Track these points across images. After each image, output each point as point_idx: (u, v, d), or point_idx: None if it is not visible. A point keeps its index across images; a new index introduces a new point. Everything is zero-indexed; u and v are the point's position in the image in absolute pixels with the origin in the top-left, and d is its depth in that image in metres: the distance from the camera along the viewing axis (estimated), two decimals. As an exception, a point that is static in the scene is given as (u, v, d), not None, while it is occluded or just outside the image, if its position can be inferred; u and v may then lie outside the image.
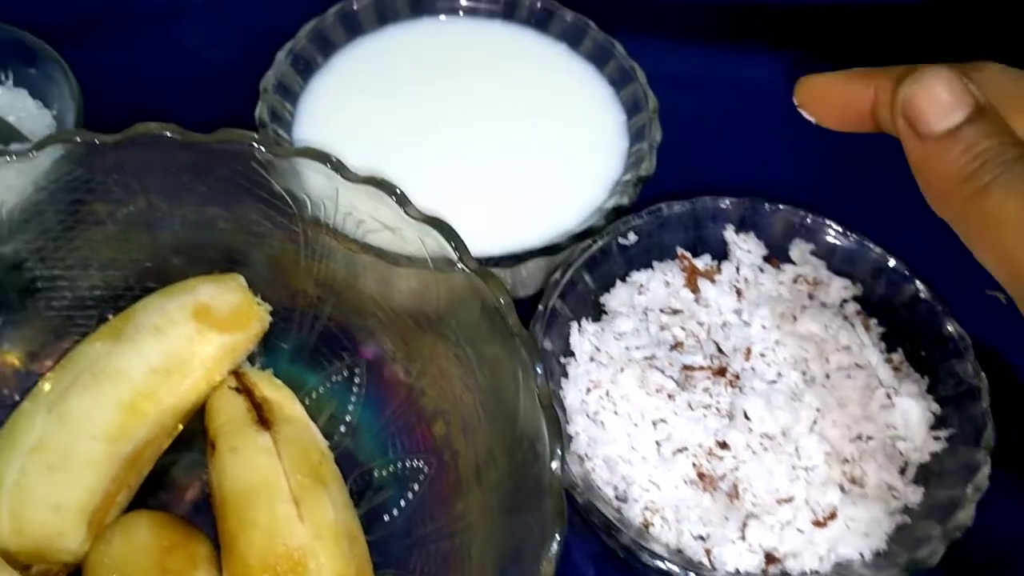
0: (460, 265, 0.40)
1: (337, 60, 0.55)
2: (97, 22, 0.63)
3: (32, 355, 0.45)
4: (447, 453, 0.44)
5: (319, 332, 0.47)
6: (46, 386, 0.42)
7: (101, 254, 0.46)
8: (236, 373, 0.45)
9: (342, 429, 0.46)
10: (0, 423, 0.44)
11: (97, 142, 0.41)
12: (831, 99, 0.36)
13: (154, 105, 0.58)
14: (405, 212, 0.41)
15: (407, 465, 0.45)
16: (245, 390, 0.44)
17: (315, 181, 0.43)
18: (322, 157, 0.42)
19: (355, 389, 0.47)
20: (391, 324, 0.45)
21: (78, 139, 0.41)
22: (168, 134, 0.42)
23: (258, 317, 0.45)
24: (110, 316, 0.46)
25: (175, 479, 0.45)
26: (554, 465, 0.36)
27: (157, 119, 0.55)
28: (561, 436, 0.36)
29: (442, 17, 0.57)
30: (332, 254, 0.45)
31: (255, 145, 0.42)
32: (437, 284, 0.43)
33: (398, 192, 0.41)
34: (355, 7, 0.55)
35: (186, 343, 0.43)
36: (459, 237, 0.41)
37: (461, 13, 0.57)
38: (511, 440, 0.40)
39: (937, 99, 0.30)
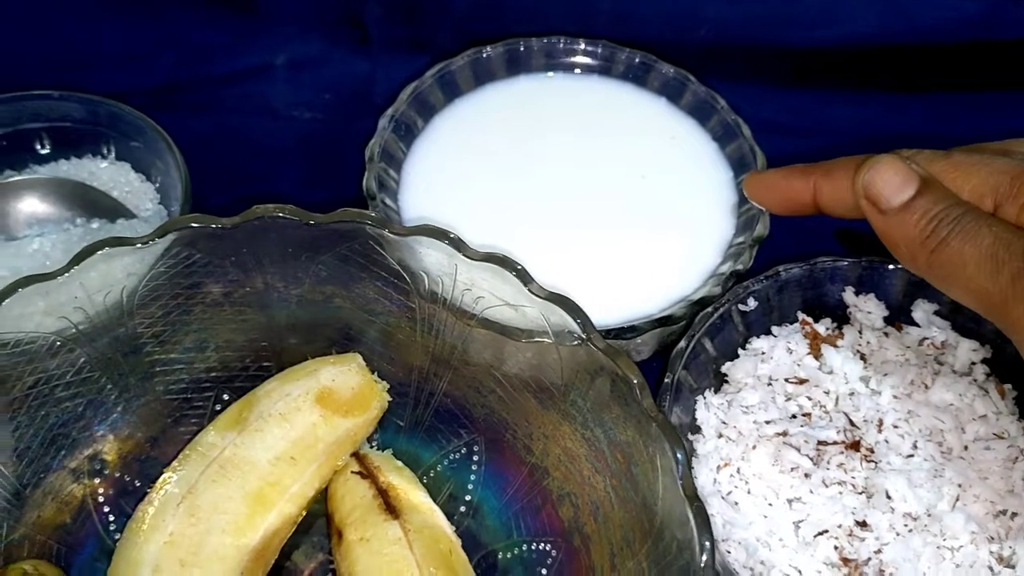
0: (588, 344, 0.39)
1: (437, 123, 0.54)
2: (181, 87, 0.63)
3: (152, 440, 0.45)
4: (577, 537, 0.42)
5: (435, 408, 0.46)
6: (173, 477, 0.41)
7: (217, 335, 0.45)
8: (357, 455, 0.44)
9: (462, 509, 0.45)
10: (123, 510, 0.44)
11: (216, 227, 0.41)
12: (776, 193, 0.43)
13: (250, 173, 0.59)
14: (528, 289, 0.40)
15: (534, 548, 0.44)
16: (368, 474, 0.43)
17: (433, 257, 0.42)
18: (441, 235, 0.41)
19: (474, 467, 0.46)
20: (510, 401, 0.44)
21: (196, 224, 0.41)
22: (286, 215, 0.41)
23: (378, 398, 0.44)
24: (226, 397, 0.46)
25: (295, 564, 0.44)
26: (703, 559, 0.35)
27: (256, 188, 0.56)
28: (710, 530, 0.35)
29: (538, 75, 0.56)
30: (448, 329, 0.44)
31: (373, 224, 0.41)
32: (560, 360, 0.42)
33: (519, 269, 0.40)
34: (453, 68, 0.54)
35: (311, 429, 0.42)
36: (585, 314, 0.40)
37: (558, 70, 0.56)
38: (650, 528, 0.38)
39: (890, 181, 0.37)
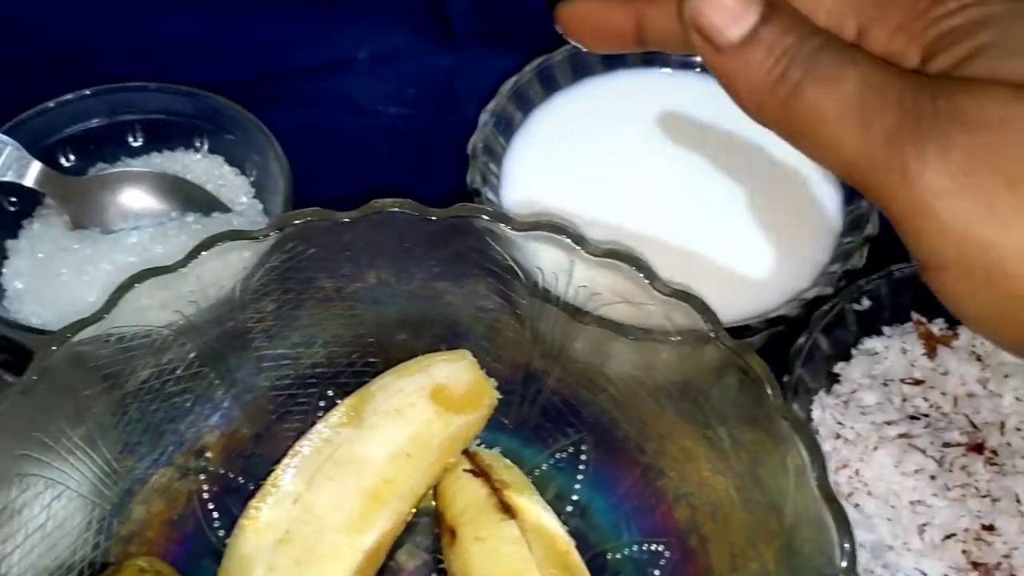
0: (717, 342, 0.38)
1: (536, 117, 0.53)
2: (264, 81, 0.62)
3: (258, 437, 0.44)
4: (694, 538, 0.42)
5: (541, 407, 0.46)
6: (287, 473, 0.40)
7: (326, 331, 0.44)
8: (467, 453, 0.43)
9: (569, 508, 0.44)
10: (226, 507, 0.43)
11: (334, 221, 0.40)
12: (592, 24, 0.34)
13: (338, 167, 0.58)
14: (653, 287, 0.39)
15: (646, 549, 0.43)
16: (481, 473, 0.42)
17: (550, 253, 0.41)
18: (560, 230, 0.40)
19: (581, 466, 0.45)
20: (622, 400, 0.43)
21: (315, 218, 0.40)
22: (404, 210, 0.40)
23: (489, 395, 0.43)
24: (331, 393, 0.45)
25: (399, 564, 0.44)
26: (844, 564, 0.34)
27: (347, 183, 0.55)
28: (851, 532, 0.34)
29: (637, 69, 0.55)
30: (560, 327, 0.43)
31: (492, 219, 0.41)
32: (680, 360, 0.41)
33: (644, 266, 0.39)
34: (552, 62, 0.53)
35: (426, 426, 0.41)
36: (712, 312, 0.39)
37: (656, 64, 0.55)
38: (778, 530, 0.37)
39: (724, 6, 0.28)
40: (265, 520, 0.39)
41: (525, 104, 0.53)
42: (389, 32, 0.64)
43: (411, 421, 0.41)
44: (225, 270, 0.40)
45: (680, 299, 0.39)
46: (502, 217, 0.41)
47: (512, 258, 0.42)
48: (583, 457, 0.45)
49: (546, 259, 0.41)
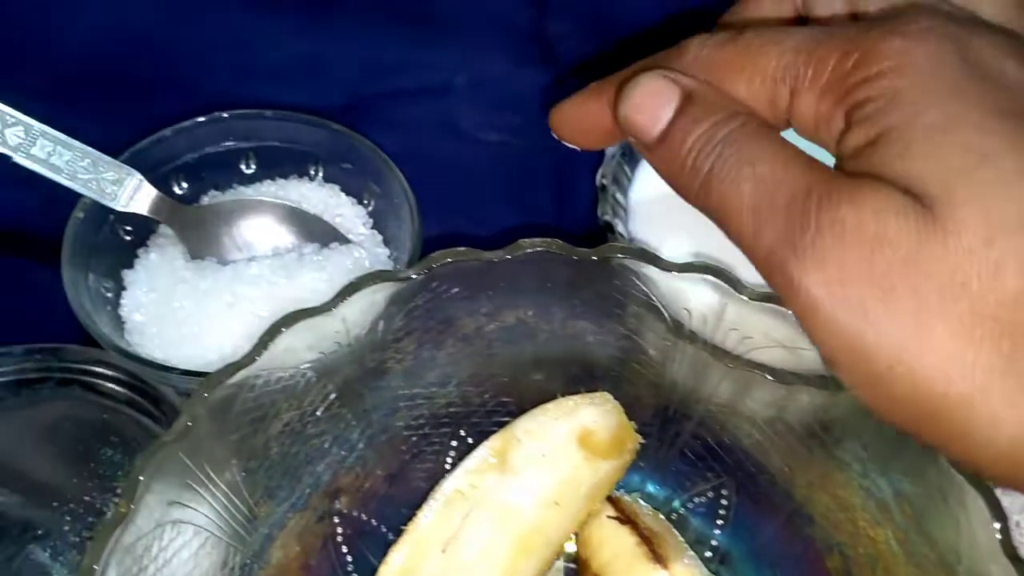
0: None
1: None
2: (360, 105, 0.61)
3: (391, 478, 0.43)
4: (850, 588, 0.40)
5: (679, 449, 0.44)
6: (429, 519, 0.39)
7: (462, 371, 0.43)
8: (611, 499, 0.42)
9: (708, 554, 0.43)
10: (360, 551, 0.42)
11: (483, 261, 0.39)
12: (577, 123, 0.34)
13: (444, 196, 0.57)
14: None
15: (794, 599, 0.42)
16: (628, 520, 0.41)
17: (700, 294, 0.40)
18: (716, 272, 0.39)
19: (722, 511, 0.44)
20: (769, 445, 0.42)
21: (464, 259, 0.39)
22: (553, 250, 0.39)
23: (633, 440, 0.42)
24: (463, 433, 0.44)
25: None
26: (1034, 630, 0.33)
27: (461, 212, 0.54)
28: (1041, 597, 0.33)
29: None
30: (704, 370, 0.42)
31: (641, 259, 0.39)
32: (835, 406, 0.40)
33: (800, 310, 0.38)
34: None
35: (574, 472, 0.40)
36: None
37: None
38: (950, 585, 0.36)
39: (646, 106, 0.29)
40: (412, 568, 0.38)
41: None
42: (487, 56, 0.63)
43: (559, 467, 0.40)
44: (369, 310, 0.39)
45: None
46: (654, 259, 0.40)
47: (657, 298, 0.41)
48: (723, 502, 0.44)
49: (696, 300, 0.40)
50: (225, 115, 0.51)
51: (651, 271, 0.40)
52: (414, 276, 0.39)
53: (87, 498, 0.45)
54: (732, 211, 0.26)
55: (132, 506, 0.33)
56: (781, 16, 0.31)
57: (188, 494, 0.36)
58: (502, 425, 0.45)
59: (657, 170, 0.29)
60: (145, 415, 0.47)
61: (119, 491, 0.46)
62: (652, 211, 0.50)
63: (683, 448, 0.44)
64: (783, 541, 0.42)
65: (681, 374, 0.43)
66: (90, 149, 0.45)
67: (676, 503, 0.44)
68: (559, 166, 0.56)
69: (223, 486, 0.38)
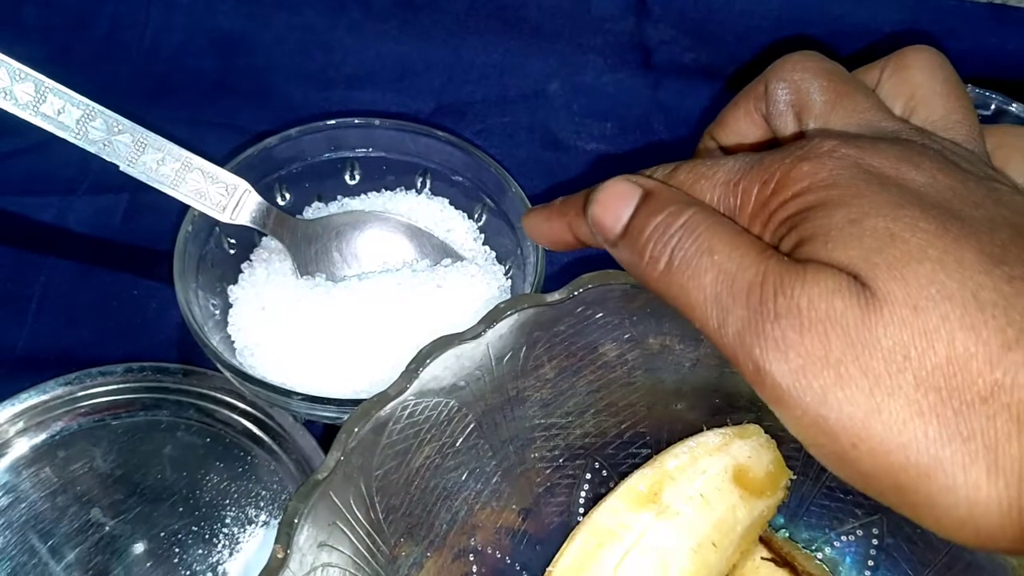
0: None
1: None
2: (449, 111, 0.59)
3: (525, 512, 0.41)
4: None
5: (827, 485, 0.42)
6: (577, 556, 0.37)
7: (599, 400, 0.41)
8: (762, 539, 0.39)
9: (857, 598, 0.41)
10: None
11: (629, 285, 0.37)
12: (545, 233, 0.35)
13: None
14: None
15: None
16: (784, 562, 0.38)
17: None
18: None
19: (872, 551, 0.41)
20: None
21: (612, 282, 0.37)
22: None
23: (786, 476, 0.39)
24: (597, 465, 0.42)
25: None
26: None
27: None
28: None
29: None
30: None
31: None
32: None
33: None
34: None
35: (731, 512, 0.37)
36: None
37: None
38: None
39: (610, 206, 0.30)
40: (567, 611, 0.36)
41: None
42: (582, 62, 0.60)
43: (716, 507, 0.37)
44: (509, 336, 0.37)
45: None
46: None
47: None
48: (874, 541, 0.41)
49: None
50: (332, 123, 0.48)
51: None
52: (561, 299, 0.36)
53: (195, 528, 0.43)
54: (695, 301, 0.27)
55: (288, 551, 0.31)
56: (754, 136, 0.34)
57: (336, 535, 0.34)
58: (637, 456, 0.42)
59: (621, 264, 0.30)
60: (255, 443, 0.45)
61: (227, 520, 0.44)
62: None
63: (830, 484, 0.42)
64: (937, 580, 0.40)
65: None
66: (198, 158, 0.43)
67: (820, 541, 0.42)
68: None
69: (367, 525, 0.35)
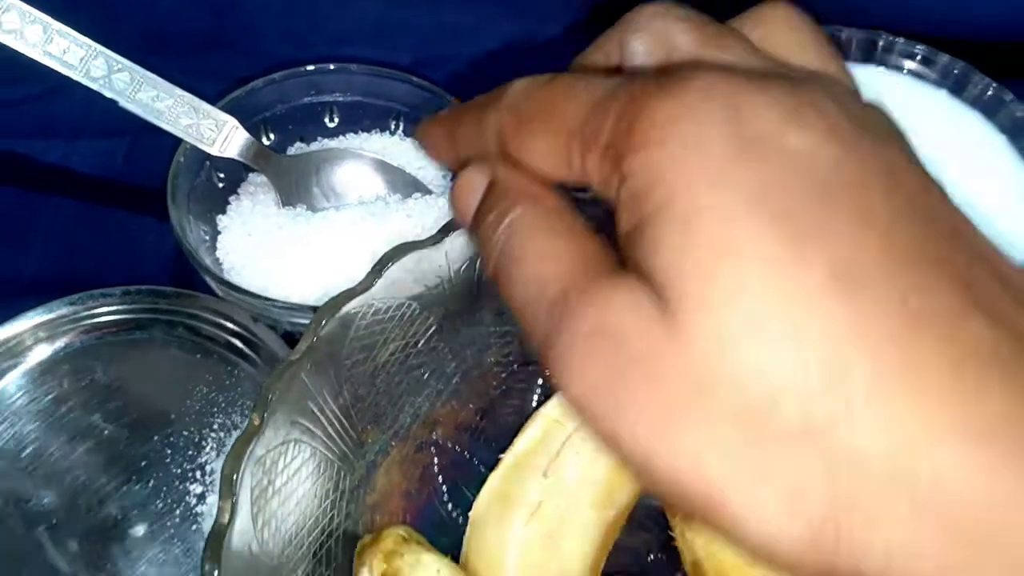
0: None
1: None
2: (426, 66, 0.63)
3: (483, 412, 0.45)
4: None
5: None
6: (527, 446, 0.41)
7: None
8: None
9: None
10: (454, 480, 0.44)
11: (573, 199, 0.41)
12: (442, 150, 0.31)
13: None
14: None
15: None
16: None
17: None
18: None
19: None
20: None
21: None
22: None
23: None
24: (548, 372, 0.46)
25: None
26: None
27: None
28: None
29: (885, 69, 0.55)
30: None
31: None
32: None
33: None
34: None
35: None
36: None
37: (906, 71, 0.55)
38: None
39: (461, 196, 0.28)
40: (516, 493, 0.40)
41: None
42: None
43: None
44: (467, 248, 0.41)
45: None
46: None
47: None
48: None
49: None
50: (311, 68, 0.53)
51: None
52: (515, 214, 0.41)
53: (186, 433, 0.47)
54: (512, 306, 0.25)
55: (263, 419, 0.35)
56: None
57: (307, 415, 0.38)
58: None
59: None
60: (240, 357, 0.49)
61: (215, 426, 0.48)
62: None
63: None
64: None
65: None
66: (190, 95, 0.47)
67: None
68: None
69: (336, 409, 0.39)
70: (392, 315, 0.41)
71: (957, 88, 0.56)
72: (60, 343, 0.49)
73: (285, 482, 0.37)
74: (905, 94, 0.56)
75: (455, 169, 0.29)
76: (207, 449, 0.47)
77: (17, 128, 0.58)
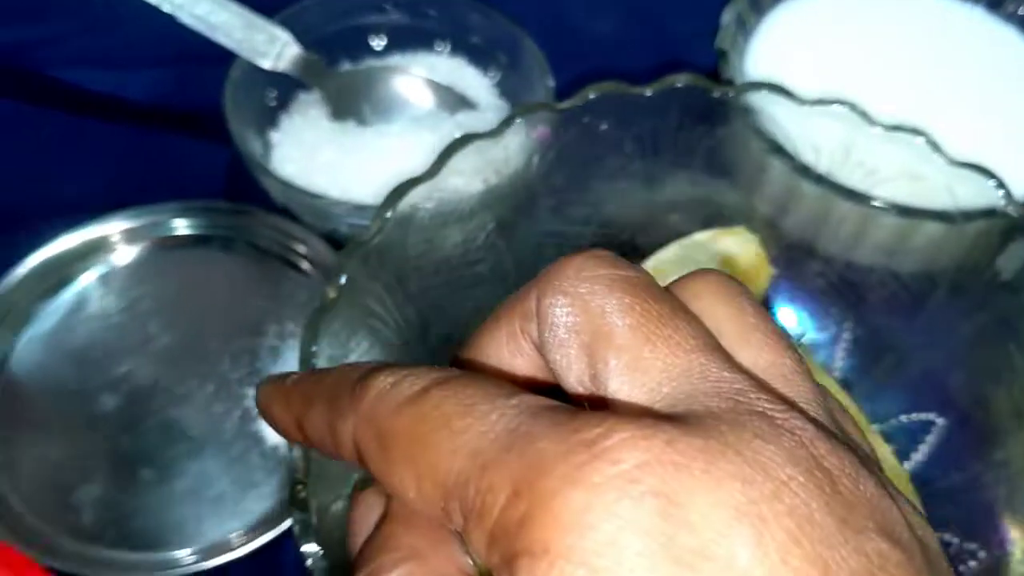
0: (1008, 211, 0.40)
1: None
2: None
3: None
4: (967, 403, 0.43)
5: (807, 290, 0.47)
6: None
7: (602, 210, 0.46)
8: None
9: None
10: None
11: (631, 95, 0.42)
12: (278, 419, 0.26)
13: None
14: (942, 158, 0.41)
15: (914, 419, 0.45)
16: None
17: (828, 130, 0.43)
18: (848, 105, 0.42)
19: (844, 344, 0.47)
20: (899, 293, 0.45)
21: (616, 91, 0.42)
22: (698, 84, 0.42)
23: (767, 270, 0.45)
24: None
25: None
26: None
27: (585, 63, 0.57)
28: None
29: None
30: (827, 209, 0.45)
31: (776, 93, 0.42)
32: (959, 240, 0.43)
33: (928, 137, 0.41)
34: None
35: (718, 294, 0.43)
36: (1006, 184, 0.40)
37: None
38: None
39: (354, 520, 0.25)
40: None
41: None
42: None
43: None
44: (525, 141, 0.42)
45: (970, 169, 0.41)
46: (787, 92, 0.43)
47: (787, 136, 0.44)
48: (846, 335, 0.47)
49: (823, 136, 0.43)
50: (359, -9, 0.54)
51: (782, 109, 0.43)
52: (570, 106, 0.42)
53: (241, 341, 0.49)
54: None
55: (339, 293, 0.36)
56: (524, 370, 0.23)
57: (375, 299, 0.39)
58: (637, 266, 0.48)
59: None
60: (294, 269, 0.50)
61: (270, 334, 0.49)
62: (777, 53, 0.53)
63: (810, 288, 0.47)
64: (896, 370, 0.45)
65: (802, 214, 0.46)
66: (245, 10, 0.48)
67: (800, 337, 0.47)
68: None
69: (402, 295, 0.41)
70: (453, 209, 0.42)
71: (993, 4, 0.57)
72: (122, 255, 0.50)
73: (357, 360, 0.38)
74: (942, 11, 0.57)
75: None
76: (262, 357, 0.48)
77: (67, 60, 0.59)
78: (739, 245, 0.44)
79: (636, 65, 0.58)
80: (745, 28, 0.54)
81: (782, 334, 0.22)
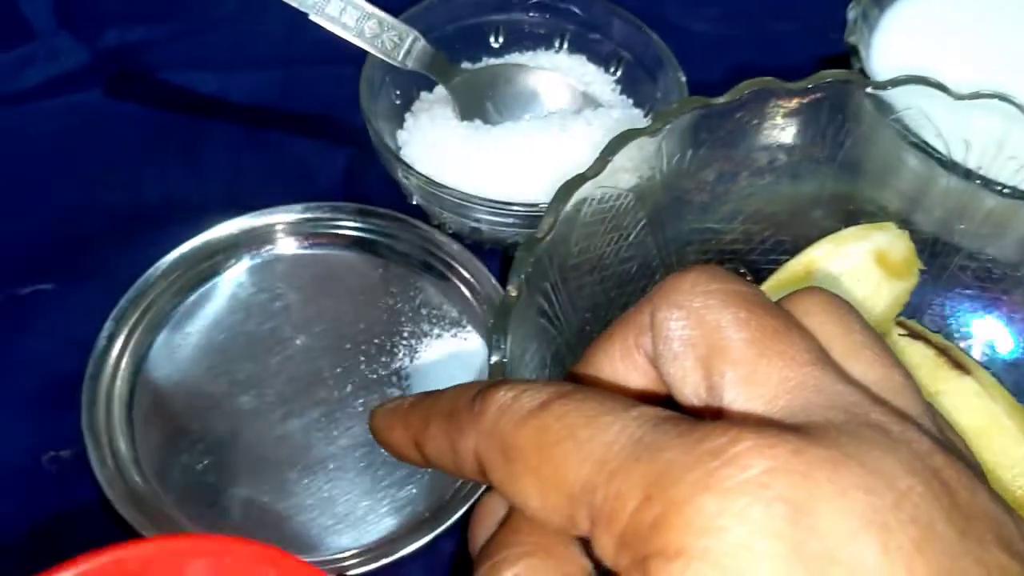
0: None
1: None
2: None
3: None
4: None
5: (946, 284, 0.47)
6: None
7: (749, 206, 0.46)
8: (898, 322, 0.45)
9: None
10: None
11: (783, 90, 0.42)
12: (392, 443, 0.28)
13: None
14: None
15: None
16: (920, 337, 0.43)
17: (983, 124, 0.42)
18: (1004, 98, 0.42)
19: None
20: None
21: (771, 87, 0.42)
22: (852, 80, 0.42)
23: (917, 264, 0.45)
24: (742, 270, 0.47)
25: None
26: None
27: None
28: None
29: None
30: (978, 203, 0.45)
31: (930, 86, 0.42)
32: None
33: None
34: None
35: (876, 289, 0.42)
36: None
37: None
38: None
39: (476, 521, 0.26)
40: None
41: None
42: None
43: (863, 284, 0.42)
44: (681, 137, 0.42)
45: None
46: (943, 88, 0.42)
47: (938, 131, 0.44)
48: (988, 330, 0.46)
49: (977, 130, 0.43)
50: (479, -10, 0.53)
51: (930, 103, 0.43)
52: (727, 101, 0.41)
53: (376, 341, 0.48)
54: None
55: (520, 291, 0.36)
56: (637, 383, 0.25)
57: (544, 298, 0.39)
58: (778, 262, 0.47)
59: None
60: (424, 269, 0.50)
61: (405, 334, 0.49)
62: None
63: (950, 282, 0.47)
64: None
65: (957, 207, 0.45)
66: (375, 9, 0.48)
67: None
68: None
69: (564, 294, 0.40)
70: (612, 205, 0.41)
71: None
72: (256, 254, 0.50)
73: (528, 360, 0.38)
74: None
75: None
76: (399, 355, 0.48)
77: (172, 62, 0.59)
78: (890, 241, 0.44)
79: (738, 63, 0.58)
80: (868, 22, 0.53)
81: (890, 351, 0.23)
